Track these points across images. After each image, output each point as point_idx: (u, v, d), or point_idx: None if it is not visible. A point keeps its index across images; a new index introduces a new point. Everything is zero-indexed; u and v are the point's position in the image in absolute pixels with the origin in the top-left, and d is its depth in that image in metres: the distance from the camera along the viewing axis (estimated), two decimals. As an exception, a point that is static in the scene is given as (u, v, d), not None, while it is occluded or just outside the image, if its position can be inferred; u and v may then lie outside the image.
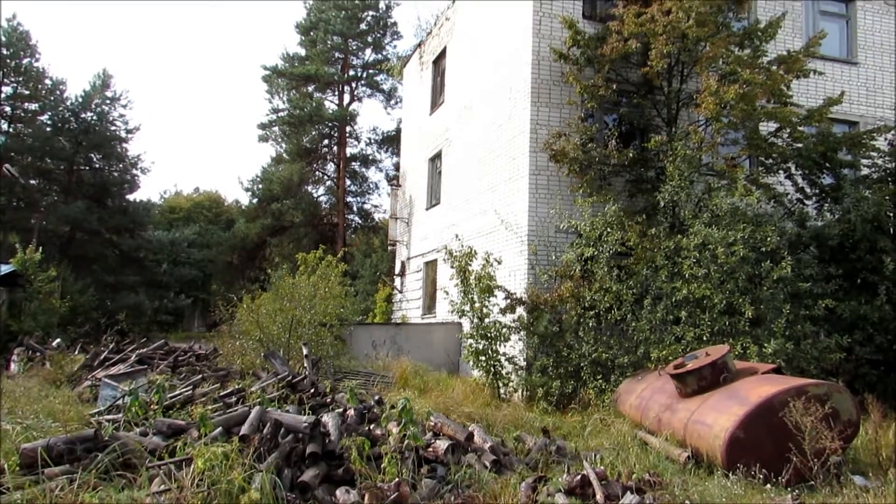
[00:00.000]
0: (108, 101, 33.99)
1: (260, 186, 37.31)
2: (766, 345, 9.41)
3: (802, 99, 13.96)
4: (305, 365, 10.58)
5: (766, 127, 12.85)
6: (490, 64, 15.83)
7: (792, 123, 12.26)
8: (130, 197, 35.05)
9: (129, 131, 34.64)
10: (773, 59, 12.57)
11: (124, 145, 34.69)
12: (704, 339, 9.69)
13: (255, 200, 38.07)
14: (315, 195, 39.53)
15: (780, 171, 12.90)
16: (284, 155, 38.37)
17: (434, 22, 22.88)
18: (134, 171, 35.04)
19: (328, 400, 8.37)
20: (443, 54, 19.82)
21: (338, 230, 36.94)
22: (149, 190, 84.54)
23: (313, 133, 37.84)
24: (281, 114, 37.50)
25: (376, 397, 8.04)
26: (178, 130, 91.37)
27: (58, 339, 16.96)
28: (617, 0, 12.44)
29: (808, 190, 12.95)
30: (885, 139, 13.11)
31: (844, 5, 16.45)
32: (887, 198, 11.58)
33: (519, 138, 13.95)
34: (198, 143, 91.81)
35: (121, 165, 34.70)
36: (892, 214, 11.62)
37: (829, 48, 15.39)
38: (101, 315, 22.99)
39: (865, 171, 12.95)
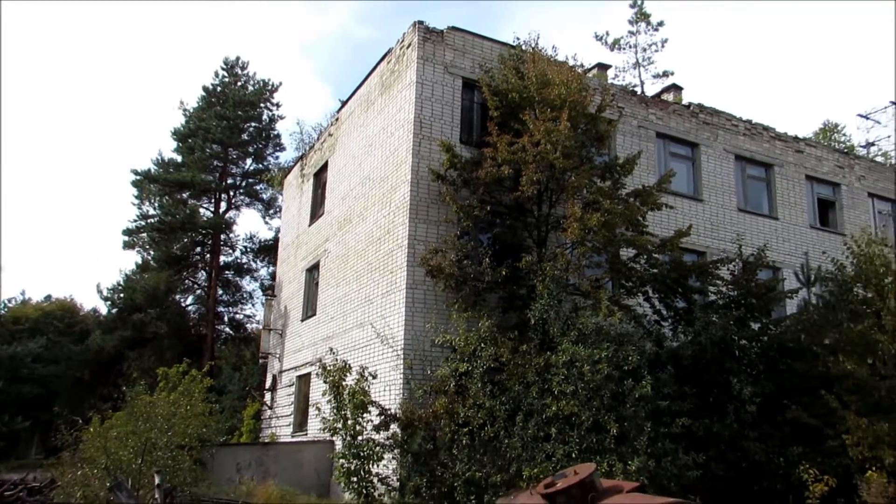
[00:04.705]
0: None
1: (121, 295, 34.98)
2: (630, 462, 9.67)
3: (657, 229, 15.22)
4: (157, 496, 9.63)
5: (626, 253, 13.86)
6: (371, 180, 16.25)
7: (648, 251, 13.35)
8: (-32, 308, 31.68)
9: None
10: (630, 191, 13.78)
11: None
12: (574, 456, 9.82)
13: (114, 310, 35.52)
14: (183, 305, 37.58)
15: (639, 294, 13.83)
16: (152, 262, 36.49)
17: (317, 137, 23.44)
18: (-25, 281, 31.93)
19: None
20: (325, 168, 20.16)
21: (206, 342, 35.03)
22: (-9, 296, 76.79)
23: (185, 240, 36.48)
24: (151, 220, 36.02)
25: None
26: (30, 232, 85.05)
27: None
28: (491, 128, 13.30)
29: (664, 312, 13.93)
30: (728, 269, 14.46)
31: (690, 149, 18.54)
32: (732, 322, 12.66)
33: (397, 253, 14.16)
34: (52, 246, 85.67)
35: (-40, 273, 31.56)
36: (737, 338, 12.67)
37: (679, 185, 17.16)
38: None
39: (713, 297, 14.15)
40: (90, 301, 79.83)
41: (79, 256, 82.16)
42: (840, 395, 11.35)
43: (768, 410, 11.99)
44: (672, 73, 32.83)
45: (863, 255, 12.71)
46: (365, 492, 10.80)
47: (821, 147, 21.74)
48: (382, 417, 11.20)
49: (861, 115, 30.44)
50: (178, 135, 37.08)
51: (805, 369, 12.37)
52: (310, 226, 20.63)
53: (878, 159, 28.57)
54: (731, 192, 18.63)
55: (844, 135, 37.94)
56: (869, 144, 31.32)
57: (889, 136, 31.50)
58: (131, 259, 71.76)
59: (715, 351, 12.18)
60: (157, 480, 10.17)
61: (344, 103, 19.53)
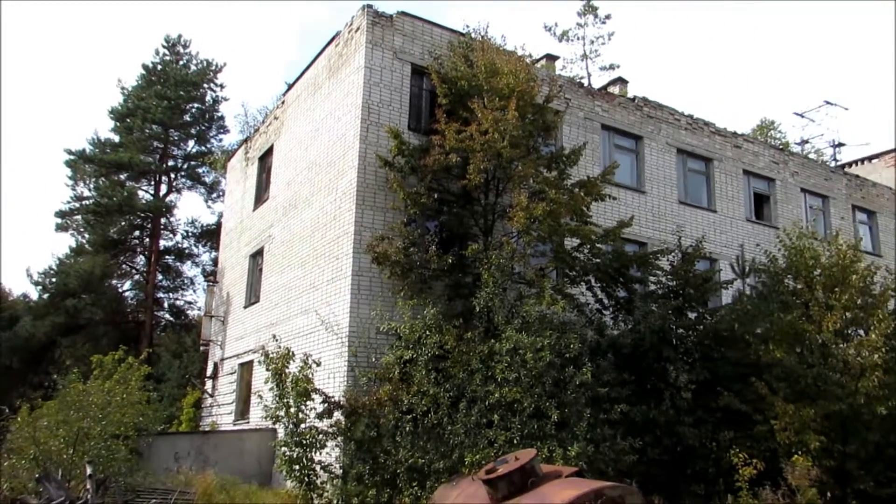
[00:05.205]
0: None
1: (54, 280, 33.58)
2: (569, 448, 9.86)
3: (600, 220, 15.47)
4: (88, 486, 9.33)
5: (570, 242, 14.06)
6: (317, 165, 16.01)
7: (591, 241, 13.59)
8: None
9: None
10: (575, 182, 13.97)
11: None
12: (515, 442, 9.95)
13: (46, 295, 34.07)
14: (120, 290, 36.38)
15: (582, 283, 14.07)
16: (87, 246, 35.13)
17: (262, 119, 22.92)
18: None
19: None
20: (270, 151, 19.77)
21: (144, 328, 34.04)
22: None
23: (122, 224, 35.24)
24: (85, 202, 34.64)
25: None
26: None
27: None
28: (439, 116, 13.26)
29: (605, 301, 14.22)
30: (668, 260, 14.84)
31: (634, 142, 18.89)
32: (670, 312, 13.02)
33: (343, 239, 14.02)
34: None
35: None
36: (674, 327, 13.04)
37: (623, 177, 17.48)
38: None
39: (653, 287, 14.51)
40: (20, 286, 76.49)
41: (7, 239, 78.43)
42: (769, 382, 11.83)
43: (703, 397, 12.41)
44: (618, 66, 33.30)
45: (794, 248, 13.24)
46: (307, 479, 10.71)
47: (758, 143, 22.48)
48: (326, 405, 11.11)
49: (797, 114, 31.62)
50: (116, 114, 35.71)
51: (738, 357, 12.84)
52: (254, 211, 20.23)
53: (812, 156, 29.77)
54: (673, 185, 19.08)
55: (780, 132, 39.38)
56: (803, 142, 32.65)
57: (822, 135, 32.87)
58: (65, 242, 68.88)
59: (653, 339, 12.52)
60: (88, 471, 9.85)
61: (290, 86, 19.15)
